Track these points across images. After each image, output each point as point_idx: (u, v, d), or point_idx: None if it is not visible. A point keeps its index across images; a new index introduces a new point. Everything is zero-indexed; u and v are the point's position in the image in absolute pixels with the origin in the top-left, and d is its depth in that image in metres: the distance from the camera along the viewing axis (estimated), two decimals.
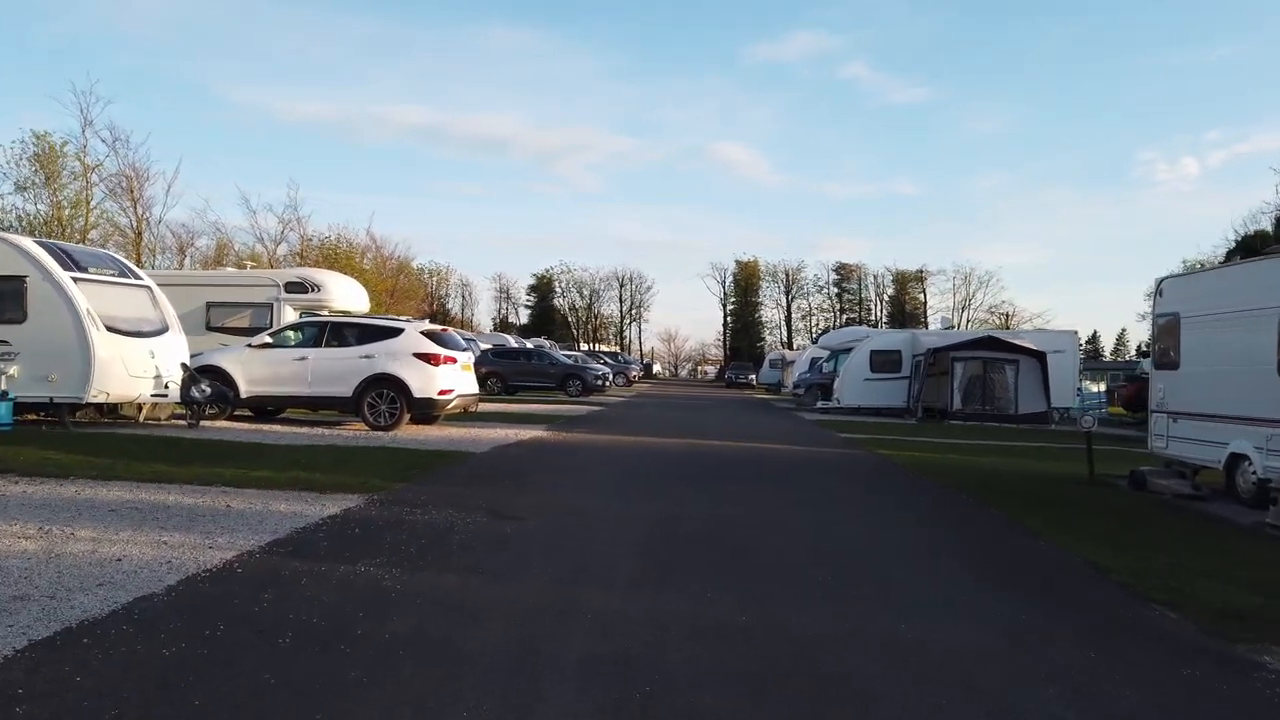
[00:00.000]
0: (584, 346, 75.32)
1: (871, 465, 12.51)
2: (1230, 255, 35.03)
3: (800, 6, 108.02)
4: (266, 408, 15.35)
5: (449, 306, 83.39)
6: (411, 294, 58.28)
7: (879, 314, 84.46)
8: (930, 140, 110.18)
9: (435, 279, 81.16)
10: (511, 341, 40.66)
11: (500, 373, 30.50)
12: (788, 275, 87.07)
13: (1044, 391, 24.06)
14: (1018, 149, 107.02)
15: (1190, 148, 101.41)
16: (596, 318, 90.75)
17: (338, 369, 14.13)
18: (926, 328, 64.54)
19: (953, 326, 49.11)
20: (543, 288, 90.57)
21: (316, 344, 14.49)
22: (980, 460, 13.51)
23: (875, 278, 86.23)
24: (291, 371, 14.28)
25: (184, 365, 12.96)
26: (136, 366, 12.53)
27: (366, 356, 14.09)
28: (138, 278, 13.55)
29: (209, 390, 12.96)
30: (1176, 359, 10.62)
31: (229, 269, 26.57)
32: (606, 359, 48.70)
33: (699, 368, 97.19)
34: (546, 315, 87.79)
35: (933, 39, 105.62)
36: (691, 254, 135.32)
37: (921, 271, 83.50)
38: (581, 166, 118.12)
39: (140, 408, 13.57)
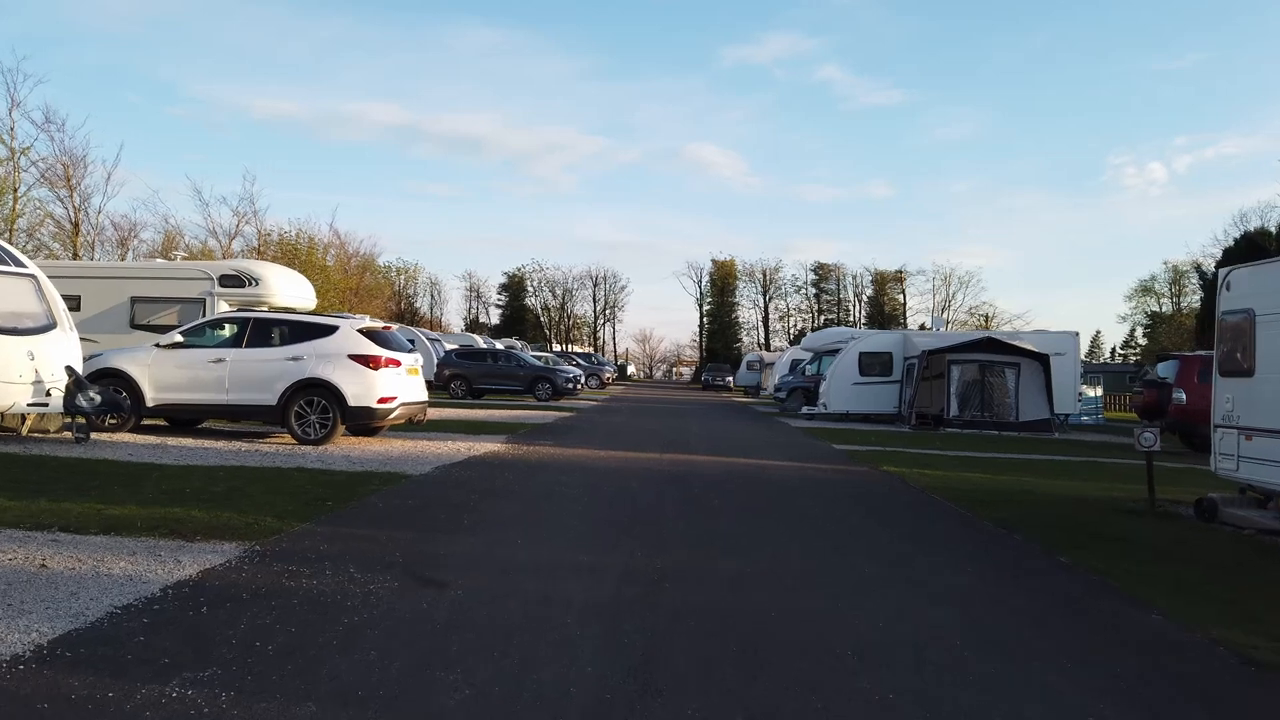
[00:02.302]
0: (556, 347, 73.51)
1: (887, 489, 10.68)
2: (1228, 254, 33.84)
3: (775, 9, 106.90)
4: (181, 417, 13.33)
5: (417, 305, 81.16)
6: (377, 292, 56.32)
7: (858, 315, 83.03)
8: (904, 143, 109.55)
9: (403, 277, 78.99)
10: (479, 342, 38.67)
11: (465, 375, 28.72)
12: (765, 275, 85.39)
13: (1047, 397, 22.42)
14: (990, 152, 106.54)
15: (1159, 153, 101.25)
16: (569, 318, 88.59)
17: (261, 373, 12.11)
18: (906, 328, 63.21)
19: (940, 328, 47.57)
20: (514, 287, 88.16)
21: (237, 344, 12.48)
22: (1008, 480, 11.75)
23: (854, 278, 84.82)
24: (207, 376, 12.25)
25: (69, 369, 10.89)
26: (10, 370, 10.49)
27: (294, 359, 12.10)
28: (19, 265, 11.46)
29: (97, 398, 10.88)
30: (1250, 365, 8.91)
31: (157, 260, 24.35)
32: (579, 360, 46.98)
33: (674, 369, 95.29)
34: (518, 315, 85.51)
35: (906, 43, 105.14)
36: (667, 255, 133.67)
37: (901, 272, 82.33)
38: (556, 167, 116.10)
39: (24, 418, 11.55)
